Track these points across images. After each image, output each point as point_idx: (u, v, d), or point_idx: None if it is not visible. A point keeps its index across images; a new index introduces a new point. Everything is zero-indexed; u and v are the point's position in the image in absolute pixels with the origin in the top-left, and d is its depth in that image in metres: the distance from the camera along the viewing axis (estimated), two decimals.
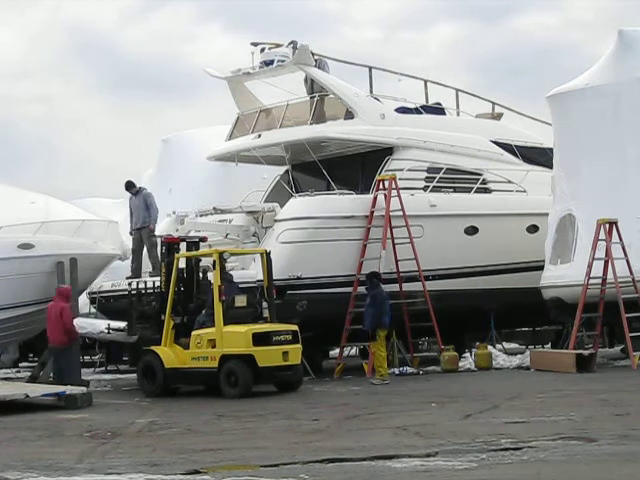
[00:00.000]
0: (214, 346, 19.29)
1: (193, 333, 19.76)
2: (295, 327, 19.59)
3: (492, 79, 70.29)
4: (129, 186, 24.92)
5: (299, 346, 19.55)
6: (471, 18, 74.70)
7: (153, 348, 20.17)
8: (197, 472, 10.45)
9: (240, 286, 20.78)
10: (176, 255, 20.65)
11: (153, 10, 74.32)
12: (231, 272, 21.12)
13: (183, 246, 21.33)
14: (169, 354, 19.95)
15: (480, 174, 26.84)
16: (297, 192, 24.96)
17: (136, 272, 23.90)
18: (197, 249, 21.15)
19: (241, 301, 19.77)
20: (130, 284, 22.32)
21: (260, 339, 19.02)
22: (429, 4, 71.63)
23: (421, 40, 73.85)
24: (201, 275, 21.17)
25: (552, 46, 70.50)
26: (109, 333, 21.83)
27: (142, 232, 24.33)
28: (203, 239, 21.64)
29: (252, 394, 18.72)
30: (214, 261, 19.57)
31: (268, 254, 20.33)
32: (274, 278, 20.74)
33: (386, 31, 73.86)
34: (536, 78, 59.25)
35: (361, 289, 23.64)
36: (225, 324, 19.18)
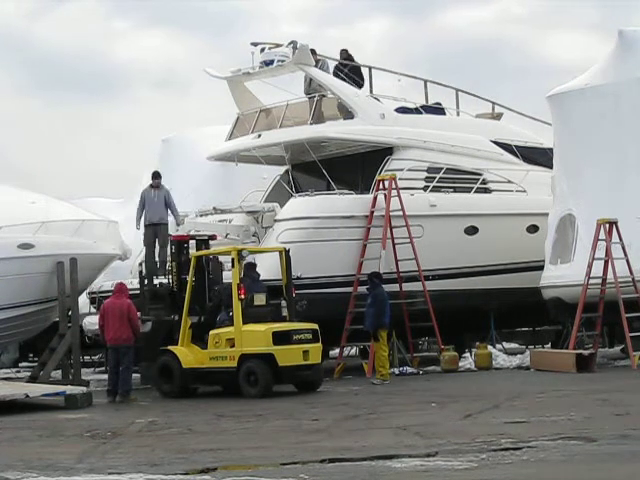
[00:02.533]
0: (233, 345, 19.18)
1: (211, 332, 19.61)
2: (315, 326, 19.47)
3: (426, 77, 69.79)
4: (157, 176, 23.75)
5: (319, 345, 19.44)
6: (400, 14, 74.40)
7: (170, 348, 20.08)
8: (197, 472, 10.45)
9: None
10: (192, 253, 20.54)
11: (62, 4, 73.35)
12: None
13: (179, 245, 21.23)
14: (187, 354, 19.83)
15: (480, 174, 26.85)
16: (297, 192, 24.97)
17: (150, 268, 23.22)
18: (207, 247, 21.08)
19: (260, 300, 19.69)
20: (141, 264, 22.09)
21: (280, 338, 18.91)
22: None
23: (348, 37, 73.73)
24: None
25: (487, 42, 70.25)
26: None
27: (159, 228, 23.44)
28: (212, 237, 21.59)
29: (272, 394, 18.68)
30: (232, 259, 19.51)
31: (287, 252, 20.26)
32: (274, 278, 20.75)
33: (312, 27, 73.82)
34: (468, 76, 58.91)
35: (361, 289, 23.65)
36: (244, 323, 19.11)
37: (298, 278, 21.70)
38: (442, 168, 26.04)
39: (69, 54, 69.55)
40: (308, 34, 70.41)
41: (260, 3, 71.93)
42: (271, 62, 25.74)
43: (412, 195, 25.00)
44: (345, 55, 26.82)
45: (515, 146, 27.76)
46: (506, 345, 28.96)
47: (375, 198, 24.29)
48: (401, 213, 24.00)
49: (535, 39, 73.97)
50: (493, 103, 29.22)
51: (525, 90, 59.53)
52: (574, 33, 73.72)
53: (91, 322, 21.80)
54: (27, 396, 18.19)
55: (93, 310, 24.96)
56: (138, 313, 20.10)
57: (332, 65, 26.63)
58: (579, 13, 73.11)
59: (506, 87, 58.45)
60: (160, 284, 21.40)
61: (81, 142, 66.54)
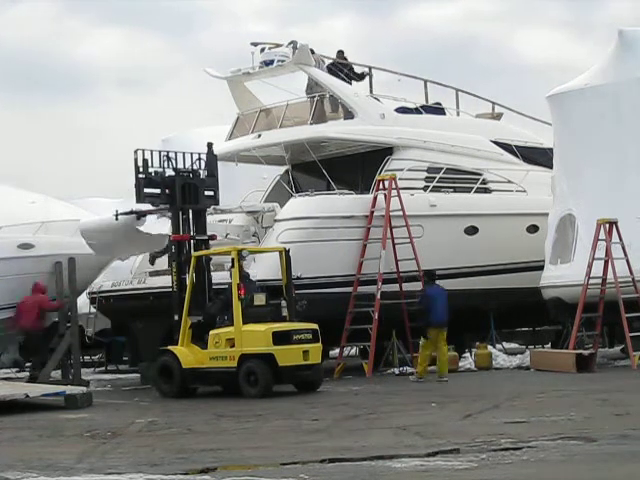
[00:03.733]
0: (233, 345, 19.18)
1: (211, 332, 19.60)
2: (315, 326, 19.46)
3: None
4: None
5: (319, 345, 19.42)
6: (364, 11, 74.23)
7: (170, 348, 20.10)
8: (197, 472, 10.45)
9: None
10: (193, 253, 20.56)
11: (15, 5, 72.94)
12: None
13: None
14: (186, 354, 19.82)
15: (480, 174, 26.85)
16: (297, 192, 24.97)
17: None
18: (207, 247, 21.10)
19: (260, 300, 19.70)
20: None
21: (280, 338, 18.89)
22: None
23: (312, 35, 73.55)
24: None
25: (457, 41, 69.91)
26: (117, 219, 21.82)
27: None
28: (212, 237, 21.61)
29: (272, 394, 18.67)
30: (232, 259, 19.52)
31: (287, 252, 20.25)
32: (274, 278, 20.75)
33: (276, 26, 73.68)
34: (439, 75, 58.63)
35: (361, 289, 23.70)
36: (244, 323, 19.10)
37: (298, 278, 21.69)
38: (442, 168, 26.04)
39: (26, 53, 69.11)
40: (271, 33, 70.45)
41: (220, 2, 72.01)
42: (271, 62, 25.74)
43: (412, 195, 25.00)
44: (341, 57, 26.87)
45: (515, 146, 27.76)
46: (506, 345, 28.95)
47: (375, 198, 24.29)
48: (401, 213, 24.00)
49: (506, 37, 73.76)
50: (493, 103, 29.22)
51: (500, 89, 59.25)
52: (544, 30, 73.62)
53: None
54: (27, 396, 18.18)
55: (93, 310, 25.02)
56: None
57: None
58: (547, 10, 73.03)
59: (480, 86, 58.23)
60: None
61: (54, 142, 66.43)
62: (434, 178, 25.90)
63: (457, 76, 45.94)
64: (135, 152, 20.72)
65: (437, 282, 22.20)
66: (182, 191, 20.94)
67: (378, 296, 23.20)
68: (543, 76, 65.84)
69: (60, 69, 69.24)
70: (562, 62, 71.16)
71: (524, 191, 27.22)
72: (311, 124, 25.63)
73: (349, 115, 25.68)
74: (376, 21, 73.75)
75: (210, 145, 22.10)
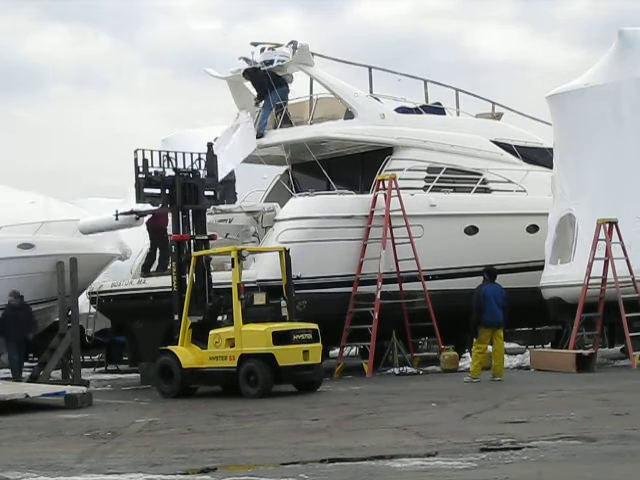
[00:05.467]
0: (233, 345, 19.18)
1: (211, 332, 19.61)
2: (315, 326, 19.45)
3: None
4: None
5: (319, 345, 19.40)
6: (309, 8, 74.11)
7: (170, 348, 20.10)
8: (197, 472, 10.45)
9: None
10: (193, 253, 20.56)
11: None
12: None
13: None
14: (187, 354, 19.83)
15: (480, 174, 26.85)
16: (297, 192, 24.96)
17: None
18: (207, 247, 21.10)
19: (260, 299, 19.70)
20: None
21: (280, 338, 18.88)
22: None
23: (259, 32, 73.91)
24: None
25: (406, 37, 69.58)
26: (117, 219, 21.81)
27: None
28: (212, 237, 21.62)
29: (272, 394, 18.67)
30: (232, 259, 19.52)
31: (287, 252, 20.25)
32: (274, 278, 20.74)
33: (223, 23, 73.47)
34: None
35: (361, 289, 23.70)
36: (244, 323, 19.09)
37: (298, 278, 21.69)
38: (442, 168, 26.04)
39: None
40: (218, 30, 70.28)
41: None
42: (271, 62, 25.74)
43: (412, 195, 25.00)
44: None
45: (515, 146, 27.76)
46: (506, 345, 28.90)
47: (375, 198, 24.29)
48: (401, 213, 24.00)
49: (457, 33, 73.24)
50: (493, 103, 29.24)
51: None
52: (496, 26, 73.43)
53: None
54: (27, 396, 18.19)
55: (93, 310, 25.02)
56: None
57: (329, 64, 26.73)
58: (496, 5, 72.87)
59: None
60: None
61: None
62: (434, 178, 25.91)
63: (409, 72, 45.53)
64: (135, 152, 20.74)
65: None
66: (182, 191, 20.95)
67: (378, 296, 23.19)
68: (498, 73, 65.68)
69: (1, 66, 69.06)
70: (519, 59, 71.13)
71: (524, 191, 27.23)
72: (311, 124, 25.67)
73: (349, 115, 25.69)
74: (323, 18, 73.68)
75: (210, 145, 22.12)
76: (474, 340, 21.01)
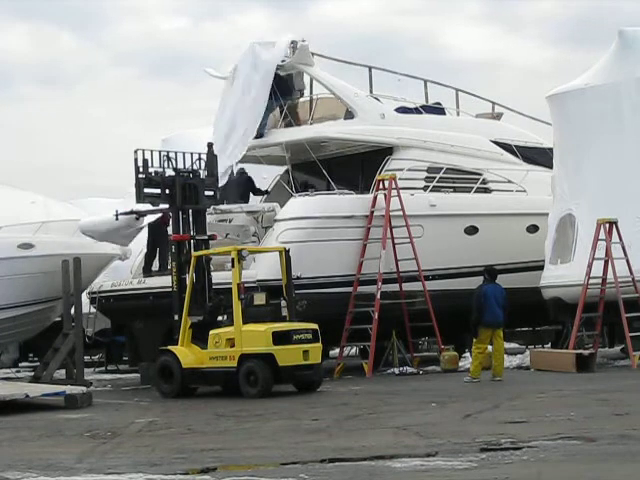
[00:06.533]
0: (233, 345, 19.18)
1: (211, 332, 19.60)
2: (315, 326, 19.44)
3: None
4: None
5: (319, 345, 19.40)
6: (276, 6, 74.09)
7: (170, 348, 20.11)
8: (197, 472, 10.45)
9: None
10: (193, 253, 20.57)
11: None
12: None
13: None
14: (187, 354, 19.84)
15: (480, 174, 26.85)
16: (297, 192, 24.97)
17: None
18: (207, 247, 21.11)
19: (260, 299, 19.70)
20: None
21: (280, 338, 18.87)
22: None
23: (225, 31, 72.99)
24: None
25: (376, 35, 69.06)
26: (117, 219, 21.82)
27: None
28: (212, 237, 21.63)
29: (272, 394, 18.67)
30: (232, 259, 19.53)
31: (287, 252, 20.25)
32: (274, 278, 20.74)
33: (189, 21, 73.22)
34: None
35: (361, 289, 23.70)
36: (244, 323, 19.09)
37: (298, 278, 21.70)
38: (442, 168, 26.04)
39: None
40: (185, 29, 70.24)
41: None
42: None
43: (412, 195, 25.00)
44: None
45: (515, 146, 27.76)
46: (506, 345, 28.90)
47: (375, 198, 24.29)
48: (401, 213, 24.00)
49: (428, 31, 73.05)
50: (493, 103, 29.23)
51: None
52: (465, 24, 73.20)
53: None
54: (27, 396, 18.19)
55: (93, 310, 25.02)
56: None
57: (329, 64, 26.72)
58: (464, 4, 72.67)
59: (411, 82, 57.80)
60: None
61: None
62: (434, 178, 25.91)
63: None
64: (135, 152, 20.75)
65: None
66: (182, 191, 20.96)
67: (378, 296, 23.19)
68: (473, 72, 65.43)
69: None
70: (494, 57, 70.94)
71: (524, 191, 27.23)
72: (311, 124, 25.67)
73: (349, 115, 25.69)
74: (289, 16, 73.44)
75: (210, 145, 22.13)
76: (474, 340, 20.97)
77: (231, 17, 73.94)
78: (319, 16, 71.19)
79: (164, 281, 21.74)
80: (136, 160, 20.72)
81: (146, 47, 72.35)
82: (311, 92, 26.58)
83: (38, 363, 26.01)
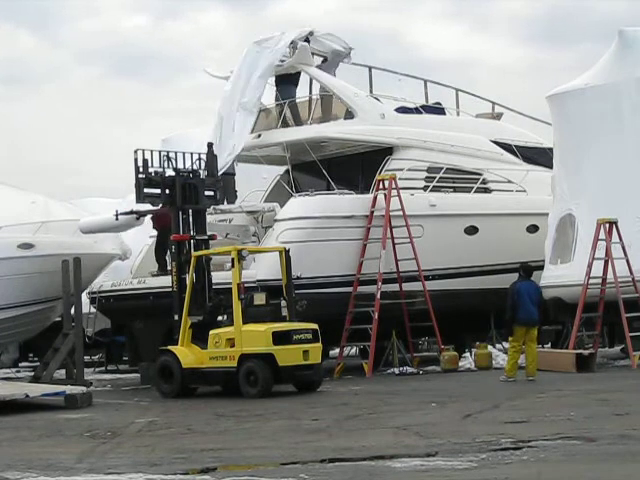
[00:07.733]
0: (233, 345, 19.19)
1: (211, 332, 19.62)
2: (315, 326, 19.45)
3: None
4: None
5: (319, 345, 19.40)
6: (235, 4, 73.76)
7: (170, 348, 20.12)
8: (197, 472, 10.45)
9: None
10: (193, 253, 20.57)
11: None
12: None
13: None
14: (187, 354, 19.85)
15: (480, 174, 26.86)
16: (297, 192, 24.97)
17: None
18: (207, 247, 21.11)
19: (260, 299, 19.70)
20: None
21: (280, 338, 18.88)
22: None
23: (186, 30, 72.96)
24: None
25: (340, 34, 68.97)
26: (117, 219, 21.83)
27: None
28: (212, 237, 21.63)
29: (272, 394, 18.68)
30: (232, 259, 19.53)
31: (287, 252, 20.26)
32: (274, 278, 20.74)
33: (150, 19, 72.97)
34: None
35: (361, 289, 23.69)
36: (244, 323, 19.10)
37: (298, 278, 21.70)
38: (442, 168, 26.05)
39: None
40: (145, 26, 70.06)
41: None
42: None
43: (412, 195, 25.01)
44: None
45: (515, 146, 27.77)
46: (506, 345, 28.89)
47: (375, 198, 24.29)
48: (401, 213, 24.00)
49: (394, 28, 72.26)
50: (493, 103, 29.25)
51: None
52: (431, 23, 72.98)
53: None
54: (27, 396, 18.19)
55: (93, 310, 25.02)
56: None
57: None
58: (427, 2, 72.44)
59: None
60: None
61: None
62: (434, 178, 25.91)
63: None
64: (135, 152, 20.76)
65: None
66: (182, 191, 20.96)
67: (378, 296, 23.19)
68: (445, 70, 65.15)
69: None
70: (464, 57, 70.65)
71: (524, 191, 27.23)
72: (311, 124, 25.68)
73: (349, 115, 25.70)
74: (248, 14, 73.36)
75: (210, 145, 22.14)
76: (509, 339, 20.62)
77: (191, 15, 73.81)
78: (278, 15, 70.98)
79: (164, 281, 21.74)
80: (136, 160, 20.72)
81: (107, 45, 72.17)
82: (311, 92, 26.59)
83: (38, 363, 26.01)
